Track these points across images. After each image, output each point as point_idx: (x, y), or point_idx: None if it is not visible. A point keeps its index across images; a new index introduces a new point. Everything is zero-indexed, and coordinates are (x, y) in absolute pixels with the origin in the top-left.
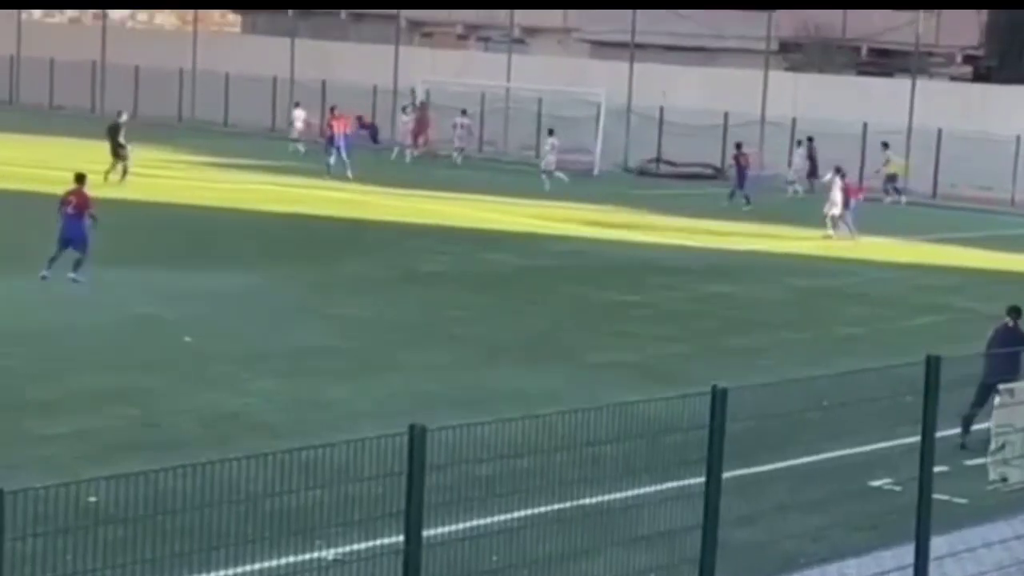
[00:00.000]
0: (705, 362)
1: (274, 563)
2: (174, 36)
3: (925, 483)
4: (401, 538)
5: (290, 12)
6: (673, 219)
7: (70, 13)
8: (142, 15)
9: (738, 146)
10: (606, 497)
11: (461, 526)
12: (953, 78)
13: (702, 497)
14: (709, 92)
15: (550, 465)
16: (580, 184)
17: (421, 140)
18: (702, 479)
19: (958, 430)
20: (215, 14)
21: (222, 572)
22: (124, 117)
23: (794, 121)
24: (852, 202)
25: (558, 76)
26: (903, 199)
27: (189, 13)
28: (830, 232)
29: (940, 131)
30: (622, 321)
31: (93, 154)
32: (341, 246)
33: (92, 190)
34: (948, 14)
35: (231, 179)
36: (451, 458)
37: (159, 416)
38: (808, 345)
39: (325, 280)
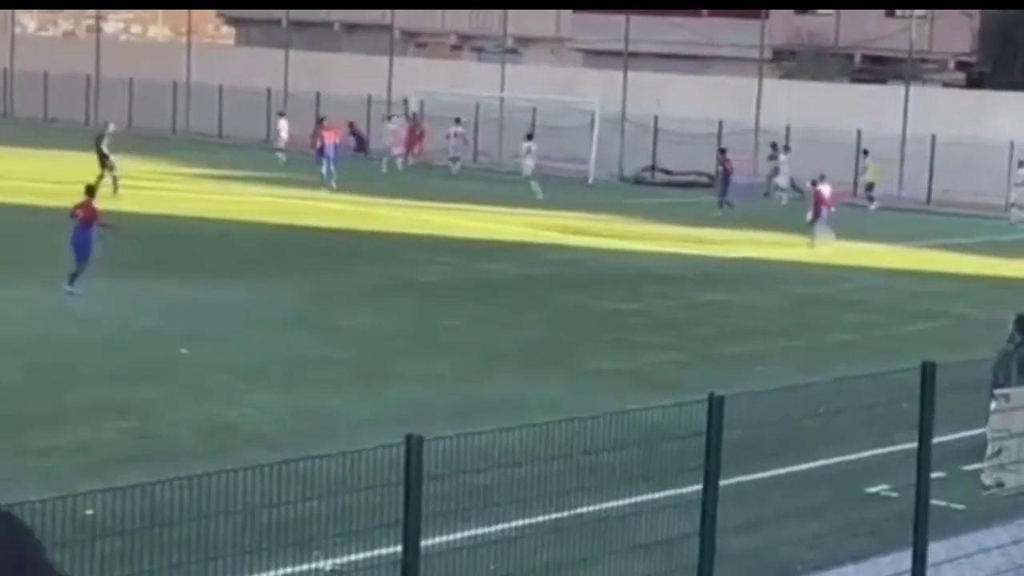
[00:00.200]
0: (701, 370)
1: (272, 574)
2: (168, 49)
3: (922, 489)
4: (399, 548)
5: (284, 23)
6: (668, 227)
7: (64, 26)
8: (136, 28)
9: (722, 151)
10: (604, 505)
11: (459, 536)
12: (946, 84)
13: (699, 505)
14: (703, 100)
15: (548, 474)
16: (575, 193)
17: (416, 150)
18: (699, 487)
19: (955, 436)
20: (209, 26)
21: None
22: (111, 128)
23: (788, 129)
24: (823, 211)
25: (552, 85)
26: (874, 206)
27: (183, 25)
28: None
29: (934, 137)
30: (618, 329)
31: (88, 166)
32: (336, 257)
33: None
34: (941, 21)
35: (226, 191)
36: (448, 468)
37: (157, 428)
38: (804, 352)
39: (321, 291)
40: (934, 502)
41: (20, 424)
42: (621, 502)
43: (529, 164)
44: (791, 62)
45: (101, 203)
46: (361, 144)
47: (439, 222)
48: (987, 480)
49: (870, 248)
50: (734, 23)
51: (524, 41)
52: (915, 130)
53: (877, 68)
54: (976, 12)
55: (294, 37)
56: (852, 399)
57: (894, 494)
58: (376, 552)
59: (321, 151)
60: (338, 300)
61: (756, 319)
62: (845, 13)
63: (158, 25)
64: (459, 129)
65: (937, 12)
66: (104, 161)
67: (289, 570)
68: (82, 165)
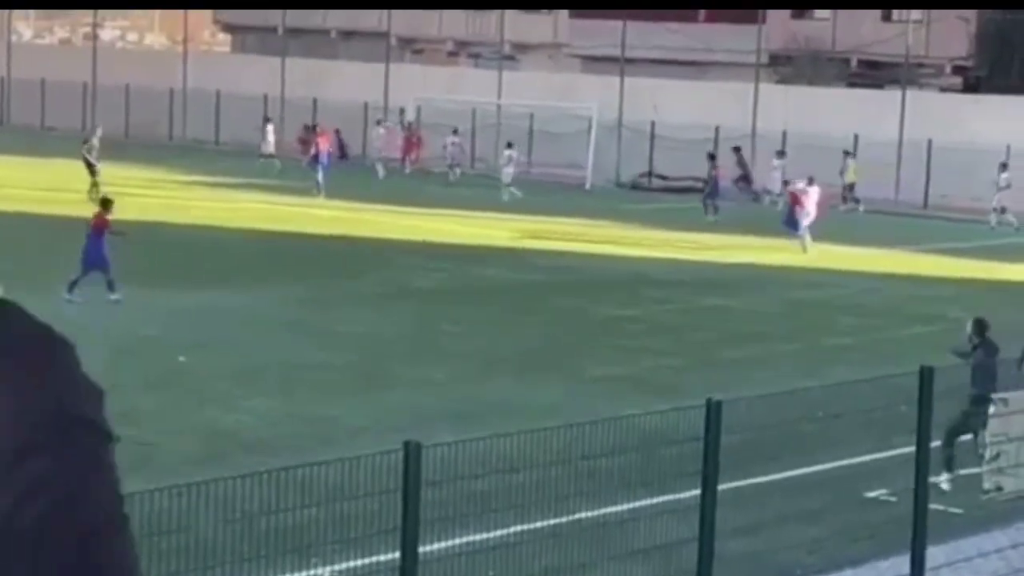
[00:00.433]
0: (699, 374)
1: None
2: (164, 56)
3: (920, 493)
4: (397, 555)
5: (280, 31)
6: (666, 233)
7: (60, 33)
8: (132, 35)
9: (712, 157)
10: (602, 511)
11: (457, 542)
12: (943, 89)
13: (698, 509)
14: (700, 106)
15: (546, 479)
16: (572, 199)
17: (413, 157)
18: (698, 491)
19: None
20: (205, 33)
21: None
22: (99, 132)
23: (784, 134)
24: (798, 211)
25: (549, 91)
26: (861, 207)
27: (179, 33)
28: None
29: (930, 142)
30: (616, 335)
31: (85, 175)
32: (332, 263)
33: (75, 209)
34: (937, 25)
35: (223, 198)
36: (447, 474)
37: (155, 436)
38: (802, 356)
39: (317, 297)
40: (932, 506)
41: None
42: (620, 507)
43: (509, 172)
44: (787, 67)
45: (88, 209)
46: (343, 151)
47: (435, 228)
48: (986, 484)
49: (866, 252)
50: (730, 28)
51: (521, 47)
52: (911, 135)
53: (873, 73)
54: (972, 16)
55: (290, 44)
56: (850, 403)
57: (892, 498)
58: (375, 558)
59: (316, 158)
60: (335, 306)
61: (754, 323)
62: (841, 18)
63: (154, 32)
64: (456, 139)
65: (934, 16)
66: (90, 168)
67: None
68: (79, 173)
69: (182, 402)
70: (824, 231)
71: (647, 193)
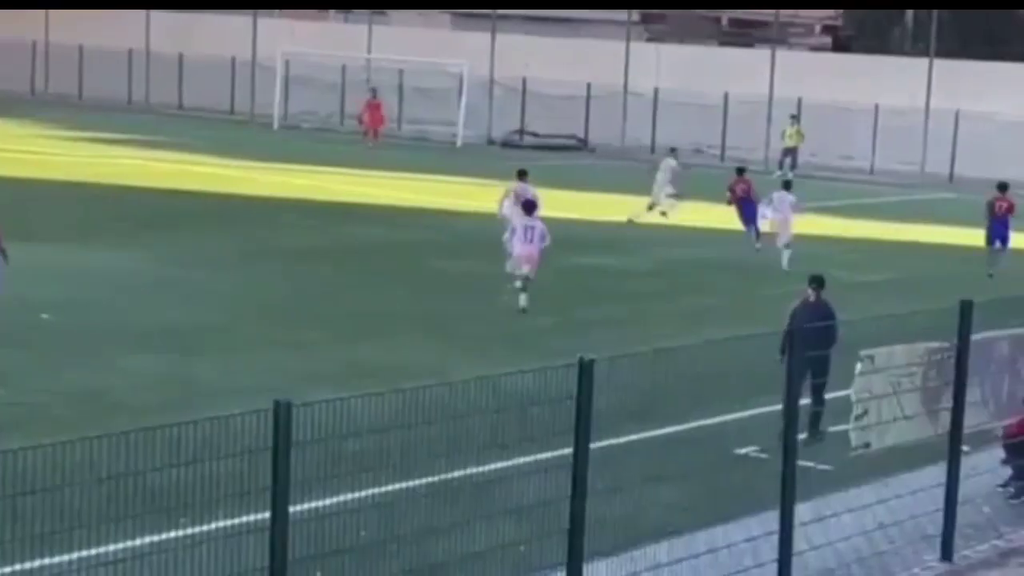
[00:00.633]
0: (573, 334)
1: (137, 542)
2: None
3: (789, 450)
4: (267, 515)
5: None
6: (539, 191)
7: None
8: None
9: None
10: (475, 470)
11: (328, 502)
12: (813, 48)
13: (570, 469)
14: (572, 63)
15: (418, 439)
16: (444, 156)
17: (382, 128)
18: (570, 450)
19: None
20: None
21: (84, 553)
22: None
23: (656, 91)
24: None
25: (420, 48)
26: (791, 173)
27: None
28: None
29: (800, 100)
30: (488, 294)
31: None
32: (209, 221)
33: None
34: None
35: (92, 153)
36: (318, 434)
37: (22, 395)
38: (675, 315)
39: (191, 256)
40: (801, 463)
41: None
42: (493, 466)
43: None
44: (659, 25)
45: None
46: None
47: (308, 185)
48: (854, 441)
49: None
50: None
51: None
52: (782, 94)
53: (745, 32)
54: None
55: None
56: (722, 361)
57: (763, 455)
58: (244, 518)
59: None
60: (206, 265)
61: (629, 283)
62: None
63: None
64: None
65: None
66: None
67: (155, 538)
68: None
69: (47, 362)
70: (699, 191)
71: (519, 150)
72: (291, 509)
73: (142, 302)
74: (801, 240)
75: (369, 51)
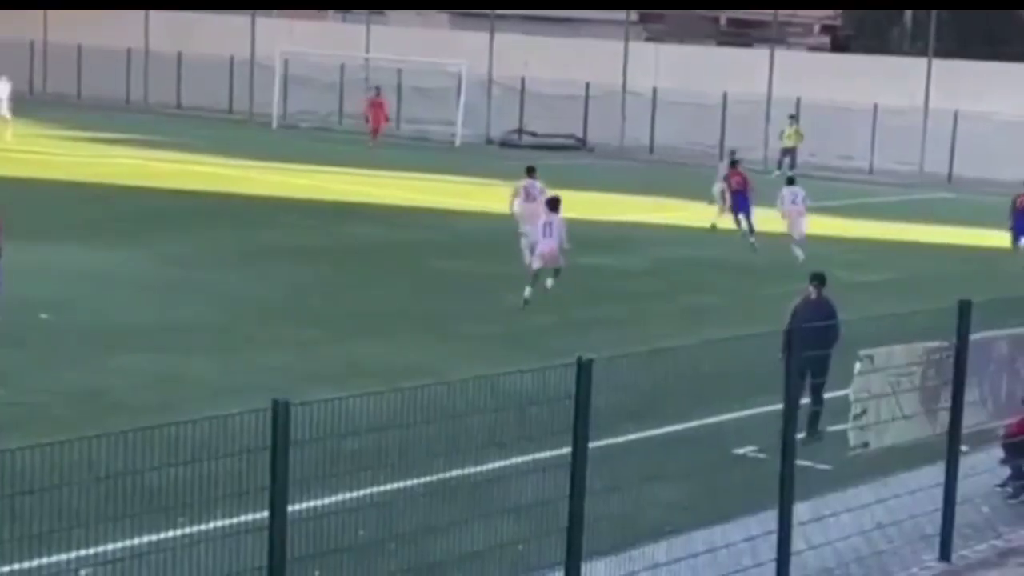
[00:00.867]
0: (572, 333)
1: (136, 541)
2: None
3: (788, 450)
4: (266, 514)
5: None
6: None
7: None
8: None
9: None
10: (473, 469)
11: (327, 501)
12: (812, 48)
13: (569, 468)
14: (571, 63)
15: (417, 438)
16: (443, 156)
17: (383, 126)
18: (569, 450)
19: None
20: None
21: (83, 552)
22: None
23: (655, 91)
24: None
25: (419, 47)
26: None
27: None
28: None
29: (799, 100)
30: (488, 293)
31: None
32: (208, 221)
33: None
34: None
35: (90, 152)
36: (316, 433)
37: (22, 395)
38: (675, 315)
39: (190, 255)
40: (800, 463)
41: None
42: (491, 466)
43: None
44: (658, 25)
45: None
46: None
47: (307, 185)
48: (852, 440)
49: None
50: None
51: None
52: (781, 93)
53: (743, 31)
54: None
55: None
56: (720, 361)
57: (762, 455)
58: (243, 518)
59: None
60: (207, 265)
61: (628, 282)
62: None
63: None
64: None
65: None
66: None
67: (154, 537)
68: None
69: (43, 361)
70: (698, 192)
71: (518, 150)
72: (289, 508)
73: (141, 302)
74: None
75: (368, 51)
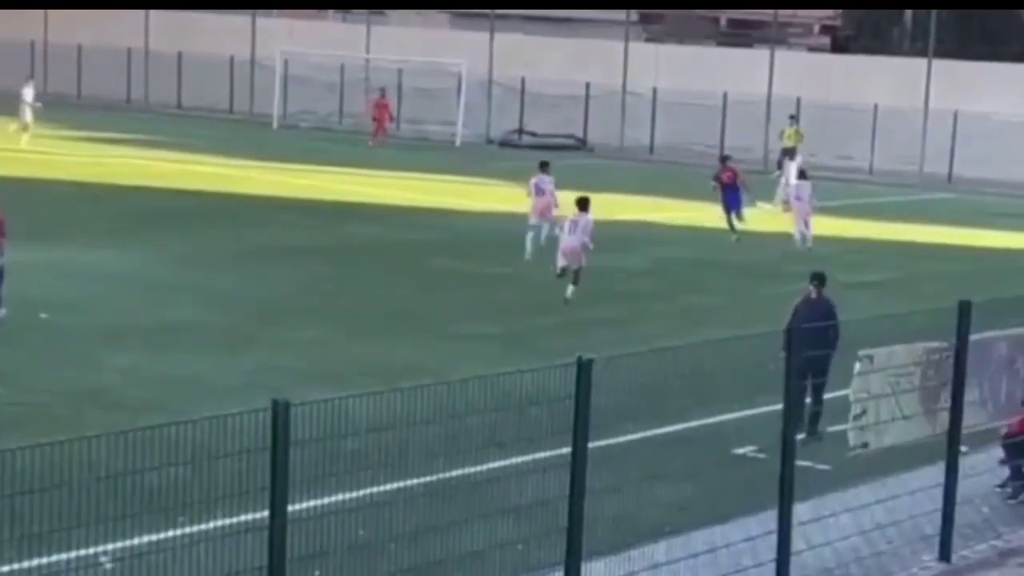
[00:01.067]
0: (572, 333)
1: (136, 541)
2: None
3: (787, 450)
4: (266, 514)
5: None
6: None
7: None
8: None
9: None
10: (473, 469)
11: (327, 501)
12: (812, 49)
13: (568, 468)
14: (571, 63)
15: (417, 438)
16: (443, 156)
17: (388, 126)
18: (568, 450)
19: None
20: None
21: (82, 552)
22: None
23: (655, 91)
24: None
25: (419, 47)
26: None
27: None
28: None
29: (799, 101)
30: (488, 293)
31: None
32: (208, 221)
33: None
34: None
35: (90, 152)
36: (316, 433)
37: (22, 394)
38: (675, 315)
39: (190, 255)
40: (800, 463)
41: None
42: (490, 466)
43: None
44: (658, 25)
45: None
46: None
47: (307, 185)
48: (852, 440)
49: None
50: None
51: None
52: (781, 93)
53: (743, 32)
54: None
55: None
56: (720, 361)
57: (761, 455)
58: (243, 518)
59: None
60: (208, 264)
61: (628, 283)
62: None
63: None
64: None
65: None
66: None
67: (154, 537)
68: None
69: (43, 361)
70: (698, 193)
71: (518, 150)
72: (289, 508)
73: (141, 301)
74: (796, 242)
75: (368, 51)
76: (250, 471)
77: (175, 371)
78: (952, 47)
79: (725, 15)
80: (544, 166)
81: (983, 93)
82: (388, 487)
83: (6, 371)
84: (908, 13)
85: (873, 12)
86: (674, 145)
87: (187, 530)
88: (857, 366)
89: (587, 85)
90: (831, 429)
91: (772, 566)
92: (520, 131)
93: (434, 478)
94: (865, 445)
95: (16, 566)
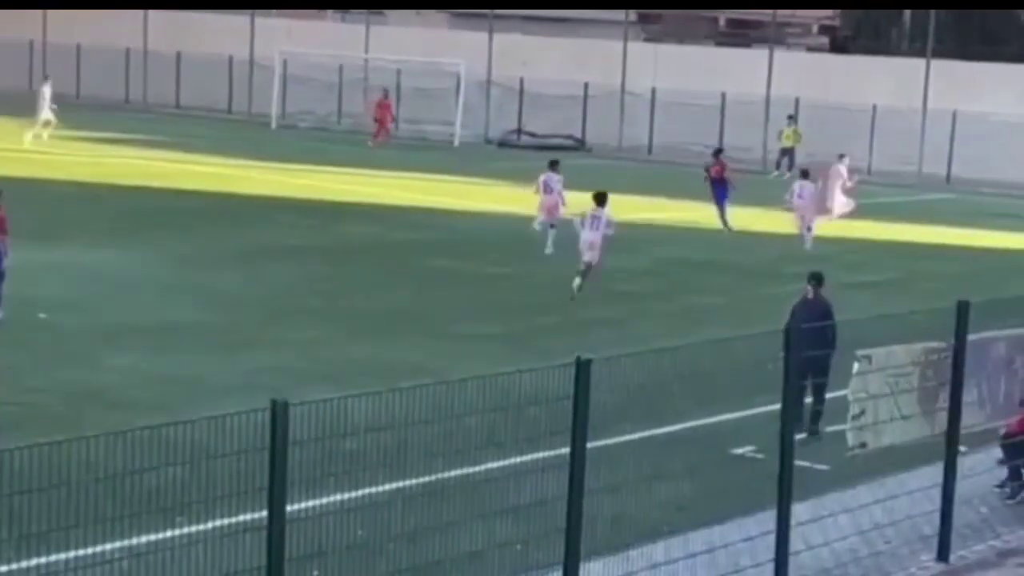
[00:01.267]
0: (572, 333)
1: (135, 541)
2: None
3: (786, 450)
4: (264, 514)
5: None
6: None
7: None
8: None
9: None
10: (472, 469)
11: (325, 501)
12: (810, 49)
13: (567, 468)
14: (569, 63)
15: (416, 438)
16: (441, 156)
17: (390, 127)
18: (567, 450)
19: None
20: None
21: (81, 552)
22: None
23: (653, 91)
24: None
25: (417, 47)
26: (787, 175)
27: None
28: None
29: (797, 101)
30: (486, 293)
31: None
32: (207, 221)
33: None
34: None
35: (89, 152)
36: (315, 433)
37: (19, 395)
38: (675, 315)
39: (189, 255)
40: (798, 463)
41: None
42: (489, 466)
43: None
44: (656, 25)
45: None
46: None
47: (306, 185)
48: (850, 440)
49: (736, 212)
50: None
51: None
52: (779, 93)
53: (742, 32)
54: None
55: None
56: (719, 361)
57: (760, 455)
58: (242, 518)
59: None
60: (207, 264)
61: (628, 283)
62: None
63: None
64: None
65: None
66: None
67: (152, 537)
68: None
69: (42, 361)
70: (697, 193)
71: (516, 150)
72: (288, 508)
73: (140, 301)
74: (798, 239)
75: (367, 51)
76: (249, 471)
77: (174, 371)
78: (951, 47)
79: (724, 15)
80: (553, 164)
81: (982, 93)
82: (387, 487)
83: (6, 371)
84: (907, 13)
85: (872, 12)
86: (673, 145)
87: (186, 530)
88: (856, 366)
89: (586, 85)
90: (830, 429)
91: (770, 566)
92: (519, 131)
93: (433, 478)
94: (863, 445)
95: (15, 566)
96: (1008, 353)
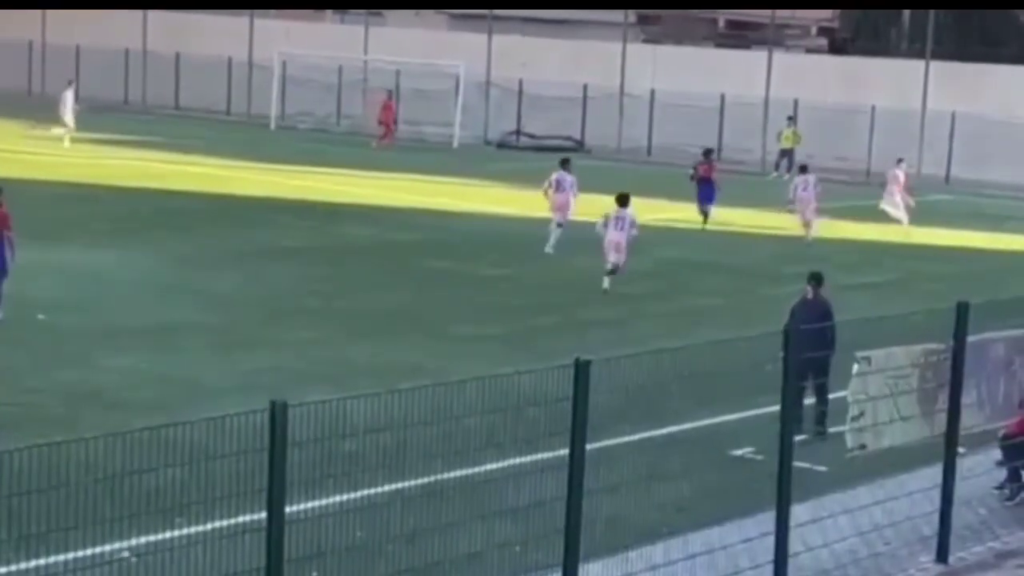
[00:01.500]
0: (571, 334)
1: (134, 542)
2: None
3: (785, 451)
4: (264, 515)
5: None
6: (534, 192)
7: None
8: None
9: (707, 152)
10: (471, 470)
11: (324, 502)
12: (809, 50)
13: (566, 469)
14: (568, 64)
15: (414, 439)
16: (440, 157)
17: (394, 129)
18: (566, 451)
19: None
20: None
21: (80, 553)
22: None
23: (652, 93)
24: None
25: (416, 48)
26: (787, 176)
27: None
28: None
29: (796, 102)
30: (485, 294)
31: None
32: (206, 222)
33: None
34: None
35: (88, 153)
36: (314, 434)
37: (18, 395)
38: (674, 316)
39: (187, 256)
40: (798, 464)
41: None
42: (488, 467)
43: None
44: (656, 27)
45: None
46: None
47: (305, 186)
48: (850, 442)
49: (736, 213)
50: None
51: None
52: (778, 95)
53: (741, 33)
54: None
55: None
56: (718, 362)
57: (759, 456)
58: (241, 519)
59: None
60: (205, 265)
61: (627, 283)
62: None
63: None
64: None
65: None
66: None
67: (152, 538)
68: None
69: (41, 361)
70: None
71: (515, 152)
72: (287, 509)
73: (139, 302)
74: (799, 240)
75: (366, 52)
76: (248, 472)
77: (173, 372)
78: (950, 48)
79: (723, 16)
80: (565, 163)
81: (981, 94)
82: (386, 488)
83: (5, 371)
84: (906, 14)
85: (871, 13)
86: (672, 146)
87: (185, 531)
88: (855, 367)
89: (585, 86)
90: (830, 430)
91: (770, 567)
92: (518, 132)
93: (432, 479)
94: (863, 446)
95: (14, 567)
96: (1007, 354)
